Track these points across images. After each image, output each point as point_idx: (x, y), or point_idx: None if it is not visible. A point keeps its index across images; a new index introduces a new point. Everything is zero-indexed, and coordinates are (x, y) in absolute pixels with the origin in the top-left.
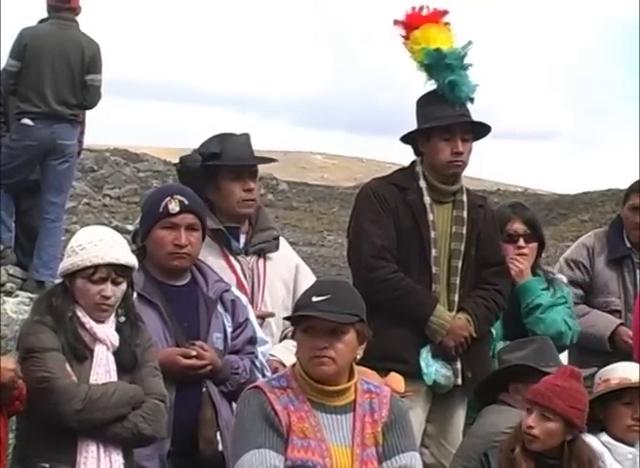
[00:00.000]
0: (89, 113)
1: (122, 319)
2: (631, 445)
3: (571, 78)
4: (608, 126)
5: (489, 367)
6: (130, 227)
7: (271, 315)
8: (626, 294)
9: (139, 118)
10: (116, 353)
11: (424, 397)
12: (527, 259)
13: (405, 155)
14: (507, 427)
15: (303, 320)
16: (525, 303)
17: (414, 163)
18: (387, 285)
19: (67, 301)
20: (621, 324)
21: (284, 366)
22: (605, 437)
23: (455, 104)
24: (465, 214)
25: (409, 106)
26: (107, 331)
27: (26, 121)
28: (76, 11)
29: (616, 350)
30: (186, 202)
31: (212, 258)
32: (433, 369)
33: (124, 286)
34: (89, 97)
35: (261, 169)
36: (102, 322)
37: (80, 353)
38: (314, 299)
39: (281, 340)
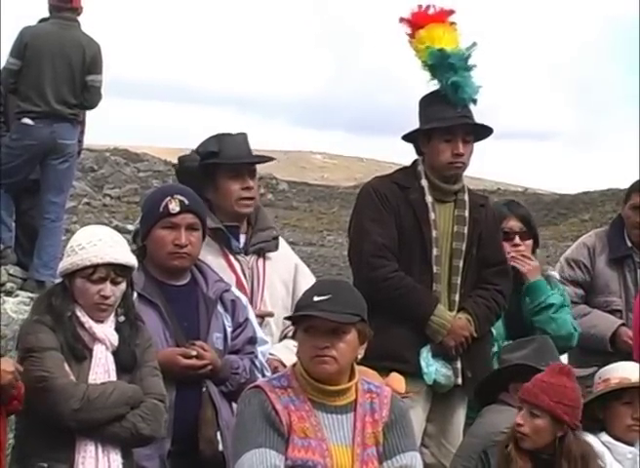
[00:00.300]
0: (89, 113)
1: (121, 318)
2: (631, 444)
3: (571, 78)
4: (608, 125)
5: (489, 366)
6: (130, 227)
7: (270, 315)
8: (627, 294)
9: (139, 118)
10: (115, 353)
11: (425, 396)
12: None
13: (405, 155)
14: (507, 427)
15: (305, 319)
16: (536, 302)
17: (415, 162)
18: (388, 284)
19: (67, 301)
20: (622, 324)
21: (284, 365)
22: (605, 437)
23: (457, 105)
24: (467, 214)
25: (409, 106)
26: (106, 331)
27: (26, 120)
28: (78, 11)
29: (616, 350)
30: (187, 202)
31: (211, 257)
32: (433, 368)
33: (123, 285)
34: (89, 97)
35: (261, 168)
36: (102, 321)
37: (79, 353)
38: (315, 299)
39: (281, 340)
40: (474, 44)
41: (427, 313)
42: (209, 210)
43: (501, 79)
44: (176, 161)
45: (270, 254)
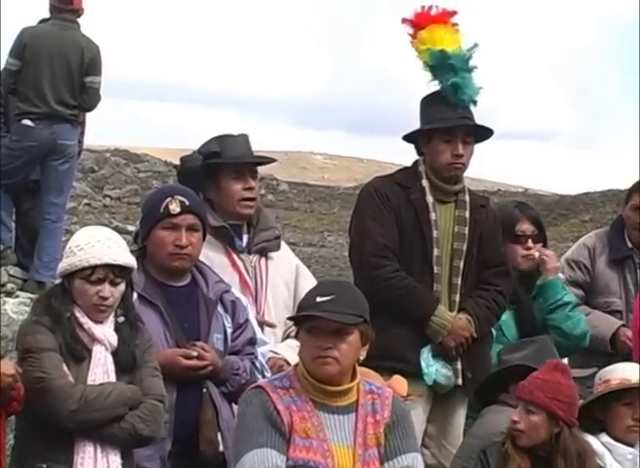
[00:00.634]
0: (89, 114)
1: (121, 319)
2: (631, 445)
3: (571, 78)
4: (608, 126)
5: (489, 367)
6: (130, 228)
7: (273, 326)
8: (627, 295)
9: (138, 119)
10: (115, 353)
11: (425, 397)
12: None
13: (406, 155)
14: (507, 427)
15: (307, 320)
16: (552, 300)
17: (416, 162)
18: (389, 284)
19: (66, 302)
20: (622, 325)
21: (289, 364)
22: (605, 437)
23: (457, 106)
24: (468, 214)
25: (409, 106)
26: (106, 332)
27: (27, 122)
28: (79, 12)
29: (617, 351)
30: (187, 202)
31: (215, 256)
32: (434, 368)
33: (122, 286)
34: (88, 99)
35: (262, 169)
36: (101, 322)
37: (78, 353)
38: (318, 300)
39: (283, 340)
40: (475, 45)
41: (428, 313)
42: (211, 209)
43: (502, 80)
44: (176, 161)
45: (272, 254)
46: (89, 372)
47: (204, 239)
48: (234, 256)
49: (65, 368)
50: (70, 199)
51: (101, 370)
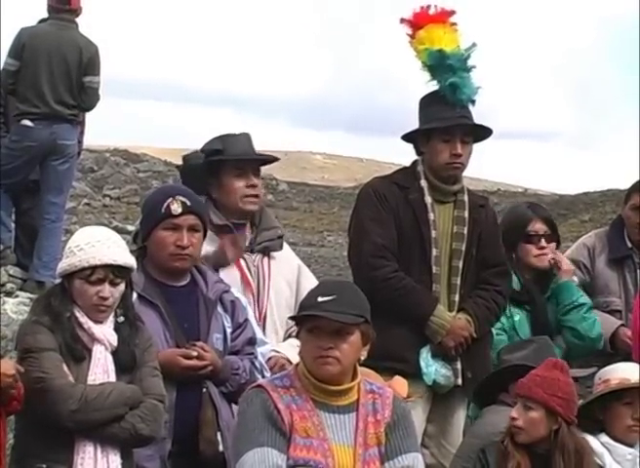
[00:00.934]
0: (88, 113)
1: (121, 319)
2: (631, 446)
3: (570, 77)
4: (608, 125)
5: (489, 367)
6: (130, 227)
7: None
8: (627, 295)
9: (138, 118)
10: (115, 353)
11: (425, 397)
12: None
13: (405, 155)
14: (507, 427)
15: (309, 320)
16: (567, 301)
17: (415, 162)
18: (388, 284)
19: (65, 302)
20: (622, 324)
21: (290, 362)
22: (604, 438)
23: (456, 106)
24: (467, 214)
25: (409, 106)
26: (105, 332)
27: (26, 122)
28: (77, 12)
29: (616, 351)
30: (189, 203)
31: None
32: (433, 368)
33: (122, 286)
34: (87, 98)
35: (261, 169)
36: (101, 322)
37: (78, 353)
38: (320, 299)
39: (285, 339)
40: (474, 45)
41: (427, 313)
42: (214, 207)
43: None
44: (176, 161)
45: (274, 254)
46: (89, 372)
47: (204, 239)
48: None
49: (65, 367)
50: (70, 199)
51: (101, 369)
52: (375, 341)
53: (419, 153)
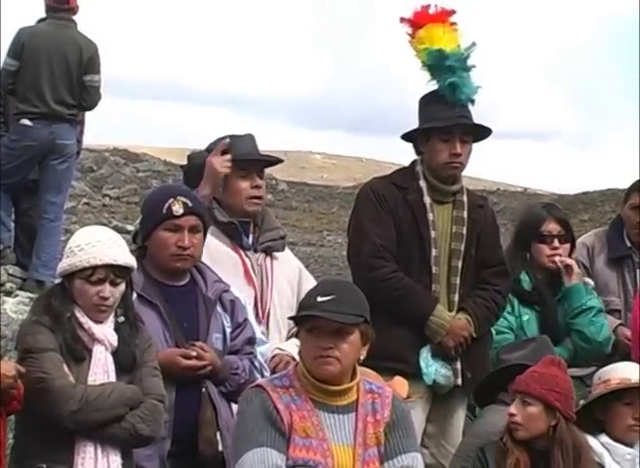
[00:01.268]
0: (88, 113)
1: (121, 319)
2: (630, 445)
3: (570, 77)
4: (607, 125)
5: (489, 367)
6: (129, 227)
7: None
8: (626, 294)
9: (138, 118)
10: (115, 353)
11: (424, 397)
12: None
13: (405, 155)
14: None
15: (308, 320)
16: (576, 304)
17: (414, 163)
18: (387, 284)
19: (66, 302)
20: (621, 324)
21: (294, 360)
22: (604, 438)
23: (455, 106)
24: (466, 215)
25: (409, 106)
26: (106, 332)
27: (25, 121)
28: (74, 10)
29: (615, 351)
30: (190, 204)
31: (225, 250)
32: (433, 368)
33: (122, 286)
34: (88, 97)
35: None
36: (101, 322)
37: (78, 353)
38: (319, 299)
39: (287, 339)
40: (473, 44)
41: (426, 313)
42: (218, 206)
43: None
44: (175, 161)
45: (277, 255)
46: (89, 372)
47: (204, 239)
48: (241, 253)
49: (66, 368)
50: (69, 198)
51: (102, 369)
52: (374, 341)
53: (418, 152)
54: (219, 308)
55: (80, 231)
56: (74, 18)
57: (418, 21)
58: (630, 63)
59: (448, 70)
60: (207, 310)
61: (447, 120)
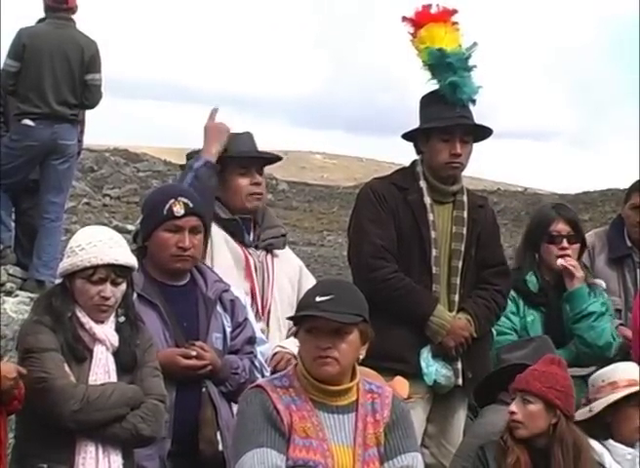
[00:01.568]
0: (88, 113)
1: (122, 319)
2: (631, 445)
3: (571, 77)
4: (608, 125)
5: (489, 367)
6: (130, 227)
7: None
8: (627, 294)
9: (138, 118)
10: (116, 353)
11: (425, 397)
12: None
13: (405, 155)
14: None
15: (307, 320)
16: (577, 310)
17: (414, 163)
18: (387, 285)
19: (67, 301)
20: (621, 324)
21: (296, 358)
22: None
23: (456, 106)
24: (466, 215)
25: (409, 105)
26: (107, 332)
27: (27, 121)
28: (73, 10)
29: (620, 352)
30: (191, 204)
31: (231, 246)
32: (433, 368)
33: (123, 286)
34: (90, 96)
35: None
36: (102, 322)
37: (79, 353)
38: (318, 299)
39: (288, 338)
40: (474, 44)
41: (427, 313)
42: (219, 202)
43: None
44: (175, 161)
45: (277, 252)
46: (90, 372)
47: (205, 239)
48: (243, 249)
49: (67, 368)
50: (70, 198)
51: (103, 369)
52: (375, 342)
53: (419, 152)
54: (219, 308)
55: (81, 231)
56: (73, 17)
57: (419, 21)
58: (630, 63)
59: (449, 70)
60: (207, 310)
61: (447, 120)
